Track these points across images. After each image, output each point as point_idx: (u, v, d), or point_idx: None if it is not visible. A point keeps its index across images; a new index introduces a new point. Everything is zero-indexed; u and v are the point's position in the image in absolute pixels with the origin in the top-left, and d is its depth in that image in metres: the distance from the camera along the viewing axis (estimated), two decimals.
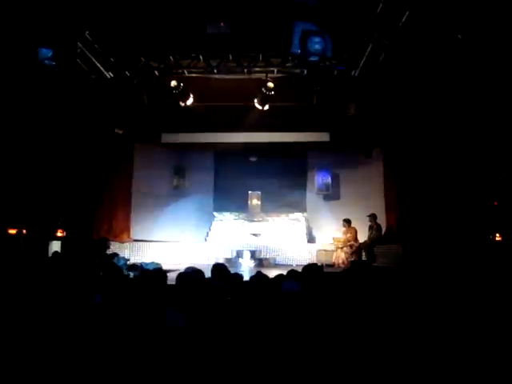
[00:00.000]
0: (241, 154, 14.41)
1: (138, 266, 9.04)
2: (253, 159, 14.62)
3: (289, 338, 3.00)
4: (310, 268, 5.34)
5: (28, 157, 10.94)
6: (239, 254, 12.33)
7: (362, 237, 12.07)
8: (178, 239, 13.38)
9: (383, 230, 12.22)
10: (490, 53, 7.99)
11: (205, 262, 11.33)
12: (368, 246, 11.71)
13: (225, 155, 14.83)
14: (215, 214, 14.82)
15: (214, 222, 14.65)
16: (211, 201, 14.96)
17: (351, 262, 11.23)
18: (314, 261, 11.46)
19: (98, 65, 10.18)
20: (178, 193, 14.63)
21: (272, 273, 5.24)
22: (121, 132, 12.54)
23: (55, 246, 11.43)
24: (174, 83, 10.82)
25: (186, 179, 14.78)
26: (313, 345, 2.93)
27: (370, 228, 12.07)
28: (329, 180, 14.27)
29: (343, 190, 14.43)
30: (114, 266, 5.49)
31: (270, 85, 10.65)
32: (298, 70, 10.87)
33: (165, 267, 7.90)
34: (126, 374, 2.71)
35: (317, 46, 7.65)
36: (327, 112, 12.16)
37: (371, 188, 13.50)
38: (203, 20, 8.61)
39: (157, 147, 14.14)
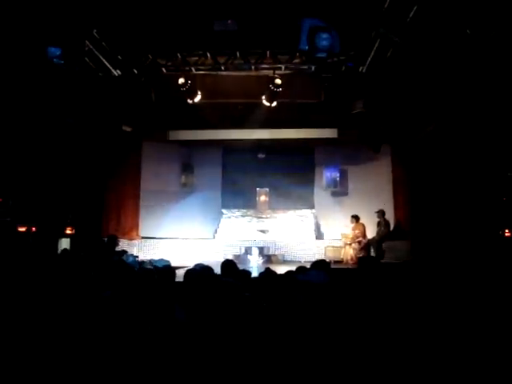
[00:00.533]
0: (248, 151, 14.37)
1: (148, 263, 9.07)
2: (261, 156, 14.58)
3: (302, 334, 3.01)
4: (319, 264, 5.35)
5: (37, 155, 11.01)
6: (247, 251, 12.35)
7: (371, 233, 12.05)
8: (186, 236, 13.41)
9: (391, 225, 12.20)
10: (499, 47, 7.94)
11: (213, 258, 11.36)
12: (376, 242, 11.70)
13: (232, 152, 14.79)
14: (223, 210, 14.82)
15: (222, 219, 14.65)
16: (219, 198, 14.94)
17: (359, 258, 11.22)
18: (323, 257, 11.45)
19: (106, 63, 10.19)
20: (186, 190, 14.62)
21: (280, 269, 5.25)
22: (129, 129, 12.57)
23: (64, 244, 11.50)
24: (181, 80, 10.82)
25: (194, 176, 14.75)
26: (324, 341, 2.94)
27: (379, 224, 12.06)
28: (337, 176, 14.22)
29: (351, 186, 14.37)
30: (124, 263, 5.51)
31: (278, 81, 10.63)
32: (305, 67, 10.85)
33: (173, 264, 7.93)
34: (133, 369, 2.72)
35: (324, 42, 7.64)
36: (335, 108, 12.12)
37: (379, 184, 13.47)
38: (210, 17, 8.62)
39: (165, 144, 14.15)
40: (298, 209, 14.61)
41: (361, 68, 10.50)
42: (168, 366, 2.73)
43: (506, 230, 10.53)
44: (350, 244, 11.87)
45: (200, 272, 4.16)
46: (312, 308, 3.47)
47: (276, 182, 14.38)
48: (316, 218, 14.45)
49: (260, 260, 12.05)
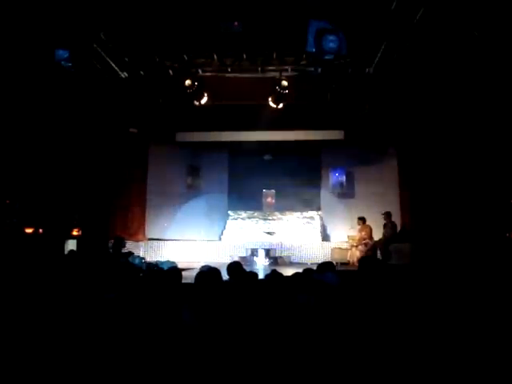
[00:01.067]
0: (255, 153, 14.38)
1: (154, 264, 9.11)
2: (267, 158, 14.60)
3: (309, 335, 3.01)
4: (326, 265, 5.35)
5: (44, 157, 11.06)
6: (254, 253, 12.36)
7: (377, 235, 12.02)
8: (192, 238, 13.41)
9: (398, 227, 12.17)
10: (506, 50, 7.91)
11: (219, 260, 11.37)
12: (383, 243, 11.65)
13: (239, 154, 14.80)
14: (230, 212, 14.85)
15: (228, 221, 14.68)
16: (226, 199, 14.97)
17: (360, 258, 11.19)
18: (329, 259, 11.43)
19: (113, 65, 10.23)
20: (192, 191, 14.64)
21: (287, 271, 5.25)
22: (135, 131, 12.61)
23: (71, 245, 11.54)
24: (188, 82, 10.80)
25: (200, 178, 14.77)
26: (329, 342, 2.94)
27: (385, 226, 12.01)
28: (343, 178, 14.22)
29: (357, 188, 14.36)
30: (131, 265, 5.53)
31: (284, 83, 10.61)
32: (312, 68, 10.83)
33: (180, 266, 7.95)
34: (140, 370, 2.73)
35: (331, 44, 7.64)
36: (341, 110, 12.10)
37: (386, 186, 13.46)
38: (217, 19, 8.62)
39: (171, 146, 14.19)
40: (304, 211, 14.63)
41: (367, 70, 10.50)
42: (175, 366, 2.74)
43: None
44: (357, 246, 11.85)
45: (210, 274, 4.16)
46: (323, 309, 3.48)
47: (282, 183, 14.40)
48: (322, 219, 14.45)
49: (266, 262, 12.06)
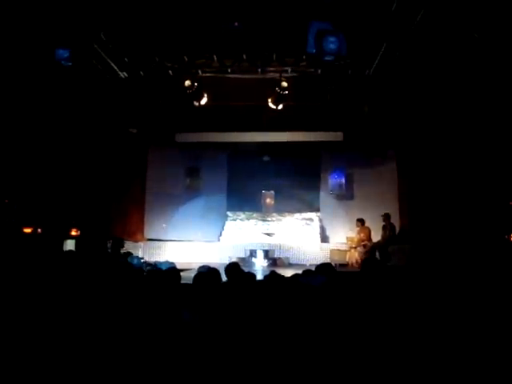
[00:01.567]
0: (254, 154, 14.35)
1: (153, 265, 9.09)
2: (266, 159, 14.59)
3: (304, 336, 3.00)
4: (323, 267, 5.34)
5: (43, 157, 11.04)
6: (253, 254, 12.34)
7: (376, 236, 12.02)
8: (191, 239, 13.40)
9: (397, 229, 12.16)
10: (506, 52, 7.92)
11: (218, 261, 11.35)
12: (382, 245, 11.66)
13: (238, 155, 14.77)
14: (229, 213, 14.83)
15: (227, 222, 14.66)
16: (225, 200, 14.93)
17: (362, 260, 11.19)
18: (328, 260, 11.43)
19: (113, 65, 10.23)
20: (191, 192, 14.60)
21: (286, 272, 5.23)
22: (135, 131, 12.60)
23: (70, 245, 11.51)
24: (187, 83, 10.79)
25: (199, 179, 14.73)
26: (328, 342, 2.94)
27: (384, 228, 12.01)
28: (342, 180, 14.20)
29: (357, 190, 14.35)
30: (130, 266, 5.52)
31: (284, 84, 10.60)
32: (312, 70, 10.84)
33: (178, 267, 7.93)
34: (140, 370, 2.72)
35: (332, 46, 7.64)
36: (341, 111, 12.11)
37: (385, 188, 13.45)
38: (217, 20, 8.62)
39: (171, 147, 14.18)
40: (303, 212, 14.62)
41: (367, 71, 10.50)
42: (174, 366, 2.73)
43: None
44: (356, 247, 11.84)
45: (209, 275, 4.15)
46: (306, 310, 3.47)
47: (281, 184, 14.40)
48: (321, 221, 14.44)
49: (265, 263, 12.05)
